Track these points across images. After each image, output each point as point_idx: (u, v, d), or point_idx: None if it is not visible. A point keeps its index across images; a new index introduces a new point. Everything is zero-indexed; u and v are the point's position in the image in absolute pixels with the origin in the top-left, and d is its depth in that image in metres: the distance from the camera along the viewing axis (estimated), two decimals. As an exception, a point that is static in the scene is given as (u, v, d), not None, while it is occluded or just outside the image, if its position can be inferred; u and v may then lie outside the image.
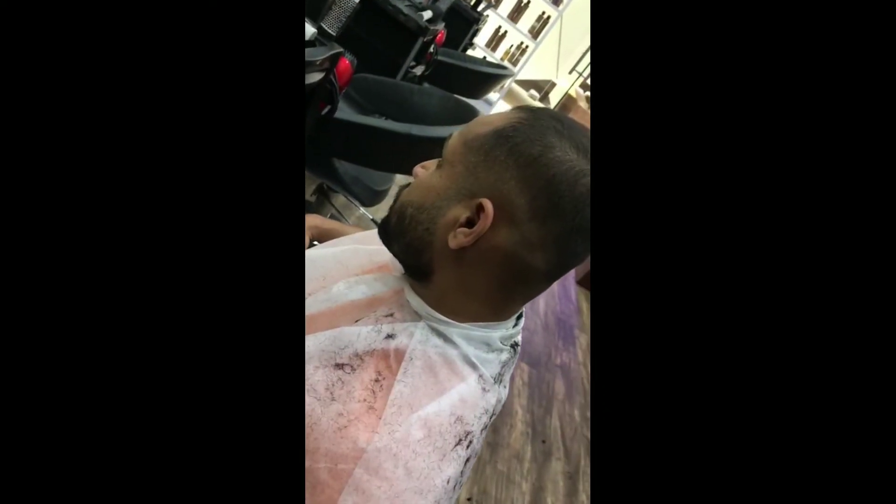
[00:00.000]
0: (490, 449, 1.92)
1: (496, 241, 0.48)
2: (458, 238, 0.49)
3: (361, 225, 2.55)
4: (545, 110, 0.52)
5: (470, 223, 0.49)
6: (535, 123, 0.49)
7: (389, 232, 0.56)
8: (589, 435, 2.23)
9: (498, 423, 2.03)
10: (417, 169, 0.57)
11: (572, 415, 2.32)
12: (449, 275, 0.52)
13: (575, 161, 0.47)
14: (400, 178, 2.19)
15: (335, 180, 1.73)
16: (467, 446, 0.50)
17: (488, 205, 0.47)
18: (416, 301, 0.54)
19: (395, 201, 0.57)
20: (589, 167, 0.48)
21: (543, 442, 2.09)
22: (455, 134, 0.54)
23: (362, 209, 2.14)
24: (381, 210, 2.49)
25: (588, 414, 2.35)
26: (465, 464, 0.51)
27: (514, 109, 0.53)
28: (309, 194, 2.23)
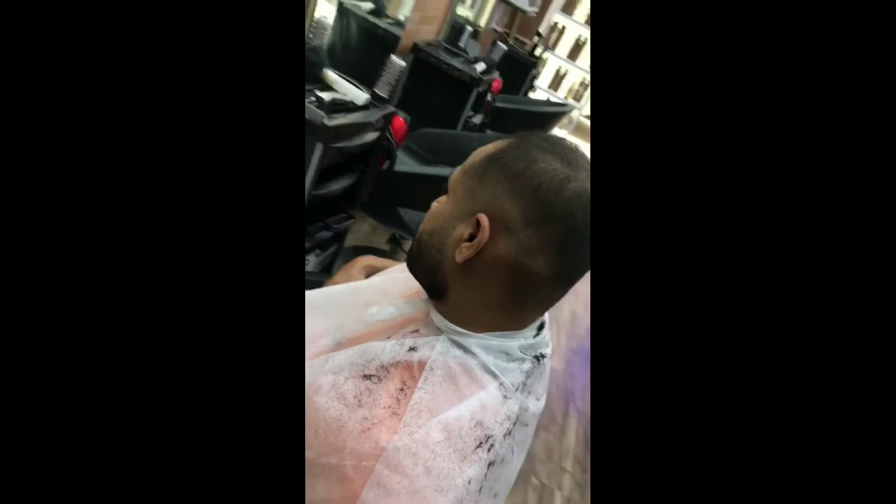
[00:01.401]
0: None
1: (497, 251, 0.53)
2: (463, 252, 0.54)
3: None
4: (535, 133, 0.58)
5: (472, 238, 0.54)
6: (521, 144, 0.55)
7: (412, 260, 0.63)
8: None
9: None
10: (433, 203, 0.64)
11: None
12: (461, 289, 0.57)
13: (559, 169, 0.52)
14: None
15: (403, 228, 1.86)
16: (488, 449, 0.53)
17: (484, 218, 0.53)
18: (437, 318, 0.58)
19: (415, 234, 0.65)
20: (574, 174, 0.53)
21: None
22: (458, 168, 0.61)
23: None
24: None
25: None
26: (489, 467, 0.53)
27: (506, 137, 0.59)
28: (383, 243, 2.39)
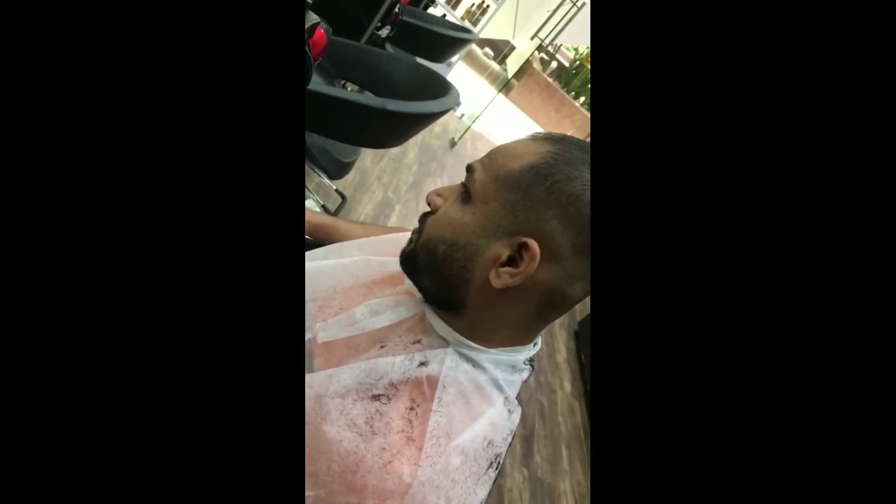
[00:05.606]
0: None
1: (539, 277, 0.50)
2: (504, 278, 0.49)
3: (320, 191, 2.48)
4: (568, 140, 0.52)
5: (512, 261, 0.50)
6: (568, 158, 0.50)
7: (418, 267, 0.56)
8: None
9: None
10: (433, 197, 0.56)
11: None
12: (484, 309, 0.53)
13: None
14: (366, 152, 2.11)
15: (307, 154, 1.66)
16: (497, 467, 0.53)
17: (535, 245, 0.48)
18: (444, 329, 0.55)
19: (418, 233, 0.56)
20: None
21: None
22: (479, 167, 0.53)
23: (326, 180, 2.07)
24: (342, 182, 2.42)
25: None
26: (493, 483, 0.53)
27: (538, 141, 0.52)
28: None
